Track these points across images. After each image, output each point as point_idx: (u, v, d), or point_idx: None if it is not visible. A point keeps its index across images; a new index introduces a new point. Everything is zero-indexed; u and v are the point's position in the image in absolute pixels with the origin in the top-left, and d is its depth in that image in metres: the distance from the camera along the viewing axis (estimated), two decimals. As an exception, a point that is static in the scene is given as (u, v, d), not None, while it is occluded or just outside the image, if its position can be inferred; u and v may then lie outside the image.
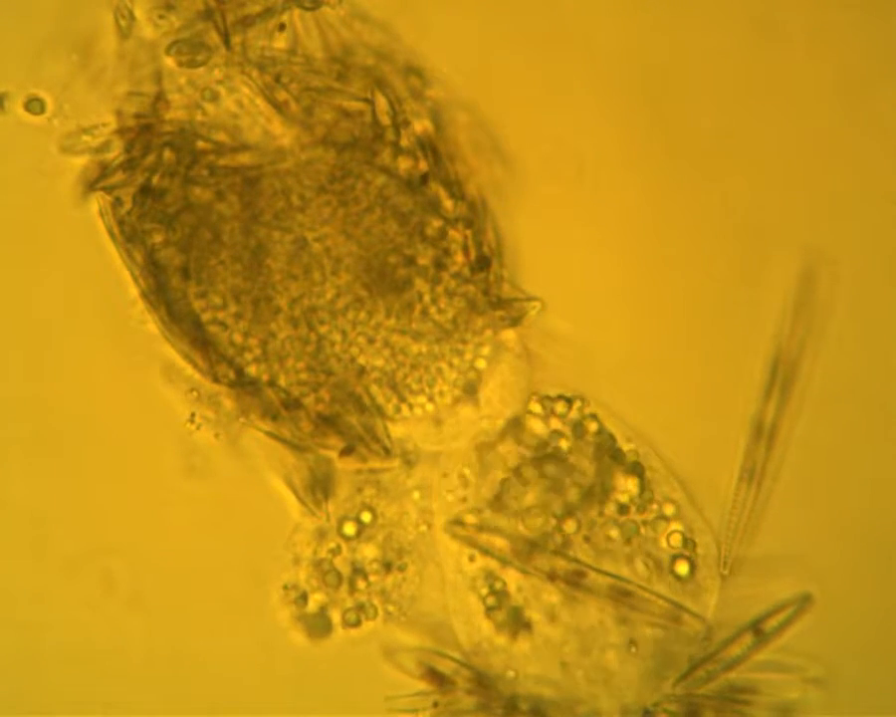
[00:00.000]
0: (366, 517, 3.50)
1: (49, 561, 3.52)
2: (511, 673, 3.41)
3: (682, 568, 3.44)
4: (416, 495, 3.51)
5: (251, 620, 3.51)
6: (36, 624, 3.53)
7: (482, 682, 3.44)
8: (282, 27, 3.47)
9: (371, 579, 3.50)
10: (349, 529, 3.50)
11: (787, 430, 3.47)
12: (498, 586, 3.43)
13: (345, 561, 3.51)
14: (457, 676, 3.45)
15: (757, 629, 3.43)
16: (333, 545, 3.51)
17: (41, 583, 3.53)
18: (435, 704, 3.45)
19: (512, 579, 3.43)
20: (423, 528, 3.50)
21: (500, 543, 3.43)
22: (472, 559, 3.44)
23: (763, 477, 3.45)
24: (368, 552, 3.50)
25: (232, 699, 3.52)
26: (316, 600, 3.51)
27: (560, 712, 3.42)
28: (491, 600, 3.42)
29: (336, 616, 3.50)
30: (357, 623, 3.50)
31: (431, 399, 3.45)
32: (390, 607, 3.49)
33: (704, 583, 3.46)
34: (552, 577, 3.41)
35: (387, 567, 3.50)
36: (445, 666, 3.46)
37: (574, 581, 3.40)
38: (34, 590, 3.53)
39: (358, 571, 3.50)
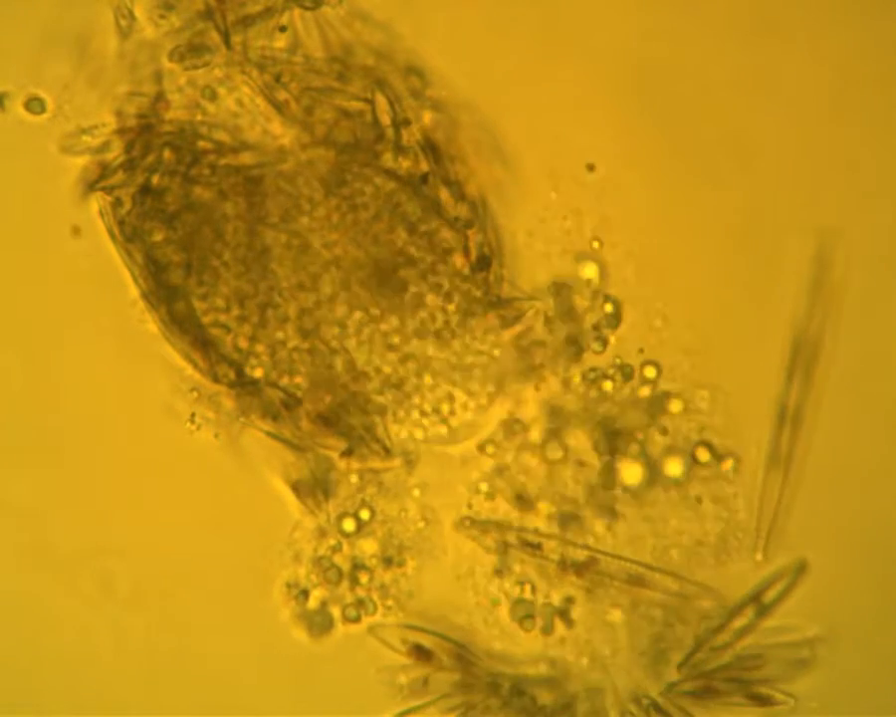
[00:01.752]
0: (365, 514, 3.51)
1: (49, 561, 3.52)
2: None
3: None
4: (416, 492, 3.51)
5: (252, 619, 3.52)
6: (36, 624, 3.53)
7: (464, 658, 3.46)
8: (283, 29, 3.47)
9: (371, 574, 3.51)
10: (348, 525, 3.51)
11: (812, 414, 3.48)
12: (515, 577, 3.45)
13: (346, 557, 3.51)
14: (440, 653, 3.46)
15: (757, 601, 3.45)
16: (333, 542, 3.52)
17: (41, 583, 3.53)
18: (425, 681, 3.46)
19: (524, 570, 3.45)
20: (421, 525, 3.51)
21: (510, 537, 3.44)
22: (487, 551, 3.46)
23: (790, 462, 3.46)
24: (368, 548, 3.51)
25: (233, 699, 3.52)
26: (316, 597, 3.51)
27: (547, 690, 3.44)
28: (508, 588, 3.45)
29: (336, 612, 3.51)
30: (358, 619, 3.51)
31: (435, 405, 3.45)
32: (389, 602, 3.50)
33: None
34: (563, 567, 3.42)
35: (387, 562, 3.51)
36: (428, 642, 3.47)
37: (585, 570, 3.42)
38: (34, 590, 3.53)
39: (358, 566, 3.51)
